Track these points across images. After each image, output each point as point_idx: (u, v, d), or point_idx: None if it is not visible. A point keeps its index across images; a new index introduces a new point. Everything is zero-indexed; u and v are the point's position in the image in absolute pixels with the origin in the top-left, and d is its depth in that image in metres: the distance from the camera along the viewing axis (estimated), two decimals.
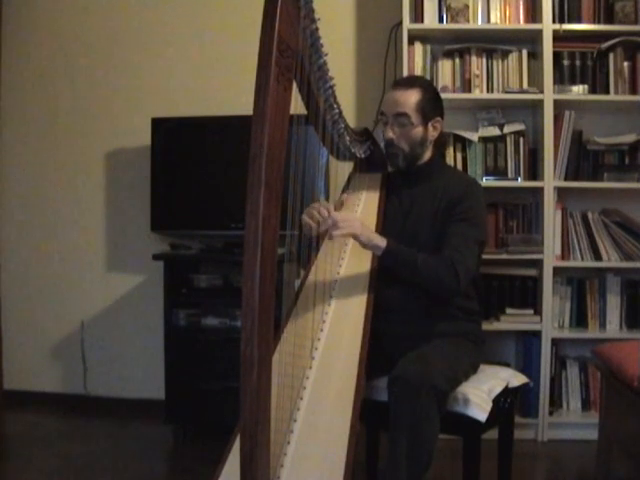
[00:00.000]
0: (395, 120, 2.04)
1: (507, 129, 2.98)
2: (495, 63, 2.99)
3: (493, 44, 3.00)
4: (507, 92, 2.95)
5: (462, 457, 1.86)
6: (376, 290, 1.88)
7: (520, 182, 2.97)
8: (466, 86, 2.99)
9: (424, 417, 1.63)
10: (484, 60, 2.99)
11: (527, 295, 2.95)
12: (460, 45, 2.99)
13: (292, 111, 1.25)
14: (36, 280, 3.44)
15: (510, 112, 3.03)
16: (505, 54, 3.00)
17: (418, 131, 2.05)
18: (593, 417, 2.77)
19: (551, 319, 2.91)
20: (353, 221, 1.84)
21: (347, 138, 1.99)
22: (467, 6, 2.95)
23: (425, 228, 2.01)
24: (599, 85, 2.94)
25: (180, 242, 3.18)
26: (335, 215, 1.81)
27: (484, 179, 2.95)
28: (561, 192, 2.94)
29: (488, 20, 2.97)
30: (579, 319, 3.00)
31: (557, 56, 2.93)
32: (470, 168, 2.97)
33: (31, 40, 3.39)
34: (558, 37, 2.89)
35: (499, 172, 2.98)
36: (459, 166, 2.97)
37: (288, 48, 1.19)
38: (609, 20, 2.92)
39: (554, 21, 2.88)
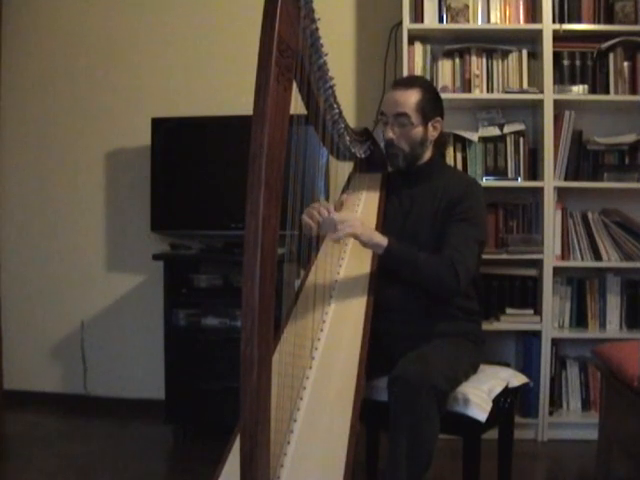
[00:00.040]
0: (395, 120, 2.04)
1: (507, 129, 2.98)
2: (495, 63, 2.99)
3: (493, 44, 3.00)
4: (507, 92, 2.95)
5: (462, 457, 1.86)
6: (376, 290, 1.88)
7: (520, 182, 2.97)
8: (466, 86, 2.99)
9: (424, 417, 1.63)
10: (484, 60, 2.99)
11: (527, 295, 2.95)
12: (460, 45, 2.99)
13: (292, 111, 1.25)
14: (36, 280, 3.43)
15: (510, 112, 3.03)
16: (505, 54, 3.00)
17: (418, 131, 2.05)
18: (593, 417, 2.77)
19: (551, 319, 2.91)
20: (353, 220, 1.84)
21: (347, 138, 1.99)
22: (467, 6, 2.95)
23: (425, 228, 2.01)
24: (599, 85, 2.94)
25: (180, 242, 3.18)
26: (335, 215, 1.81)
27: (484, 179, 2.95)
28: (561, 192, 2.94)
29: (488, 20, 2.97)
30: (579, 319, 3.00)
31: (557, 56, 2.93)
32: (470, 168, 2.97)
33: (31, 40, 3.40)
34: (558, 37, 2.89)
35: (499, 172, 2.98)
36: (459, 166, 2.97)
37: (288, 48, 1.19)
38: (609, 20, 2.92)
39: (554, 21, 2.88)
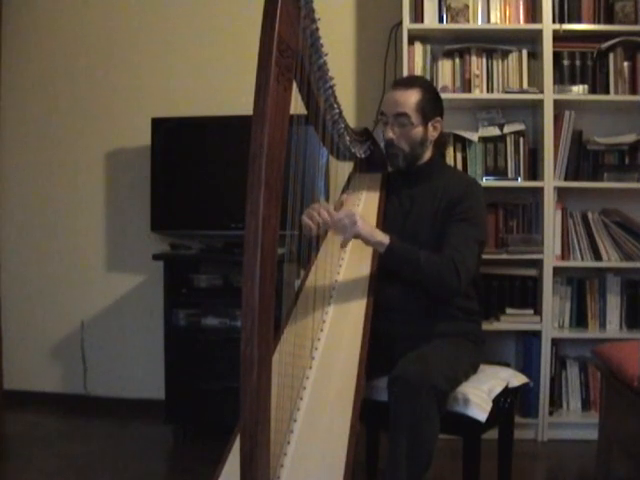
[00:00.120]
0: (395, 120, 2.04)
1: (507, 129, 2.98)
2: (495, 63, 2.99)
3: (493, 44, 3.00)
4: (507, 92, 2.95)
5: (462, 457, 1.86)
6: (376, 290, 1.88)
7: (520, 182, 2.97)
8: (466, 86, 2.99)
9: (424, 417, 1.63)
10: (484, 60, 2.99)
11: (527, 295, 2.95)
12: (460, 45, 2.99)
13: (292, 111, 1.25)
14: (36, 280, 3.43)
15: (510, 112, 3.03)
16: (505, 54, 3.00)
17: (418, 131, 2.05)
18: (593, 417, 2.77)
19: (551, 319, 2.91)
20: (353, 216, 1.82)
21: (347, 138, 1.99)
22: (467, 6, 2.95)
23: (425, 228, 2.01)
24: (599, 85, 2.94)
25: (180, 242, 3.18)
26: (335, 215, 1.81)
27: (484, 179, 2.95)
28: (561, 192, 2.94)
29: (488, 20, 2.97)
30: (579, 319, 3.00)
31: (557, 56, 2.93)
32: (470, 168, 2.97)
33: (31, 40, 3.39)
34: (558, 37, 2.89)
35: (499, 172, 2.98)
36: (459, 166, 2.97)
37: (288, 48, 1.19)
38: (609, 20, 2.92)
39: (554, 21, 2.88)
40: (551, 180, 2.90)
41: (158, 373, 3.04)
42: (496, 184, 2.95)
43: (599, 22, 2.92)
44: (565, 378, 2.99)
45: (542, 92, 2.88)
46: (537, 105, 2.97)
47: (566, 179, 2.94)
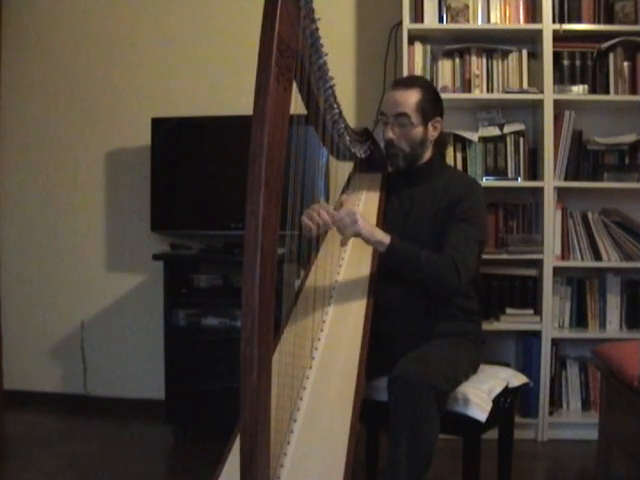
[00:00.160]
0: (395, 120, 2.04)
1: (507, 129, 2.98)
2: (495, 63, 2.99)
3: (493, 44, 3.00)
4: (507, 92, 2.95)
5: (462, 457, 1.86)
6: (376, 290, 1.88)
7: (520, 182, 2.97)
8: (466, 86, 2.99)
9: (424, 417, 1.63)
10: (484, 60, 2.99)
11: (527, 295, 2.95)
12: (460, 45, 2.99)
13: (292, 111, 1.25)
14: (36, 280, 3.43)
15: (510, 112, 3.03)
16: (505, 54, 3.00)
17: (418, 131, 2.05)
18: (593, 417, 2.77)
19: (551, 319, 2.91)
20: (353, 215, 1.81)
21: (347, 138, 1.99)
22: (467, 6, 2.95)
23: (425, 228, 2.01)
24: (599, 85, 2.94)
25: (180, 242, 3.18)
26: (335, 214, 1.81)
27: (484, 179, 2.95)
28: (561, 192, 2.94)
29: (488, 20, 2.97)
30: (579, 319, 3.00)
31: (557, 56, 2.93)
32: (470, 168, 2.97)
33: (31, 40, 3.39)
34: (558, 37, 2.89)
35: (499, 172, 2.98)
36: (459, 166, 2.97)
37: (288, 48, 1.19)
38: (609, 20, 2.92)
39: (554, 21, 2.88)
40: (551, 180, 2.90)
41: (158, 373, 3.04)
42: (496, 184, 2.95)
43: (599, 22, 2.92)
44: (565, 378, 2.99)
45: (542, 92, 2.88)
46: (537, 105, 2.97)
47: (566, 179, 2.94)
